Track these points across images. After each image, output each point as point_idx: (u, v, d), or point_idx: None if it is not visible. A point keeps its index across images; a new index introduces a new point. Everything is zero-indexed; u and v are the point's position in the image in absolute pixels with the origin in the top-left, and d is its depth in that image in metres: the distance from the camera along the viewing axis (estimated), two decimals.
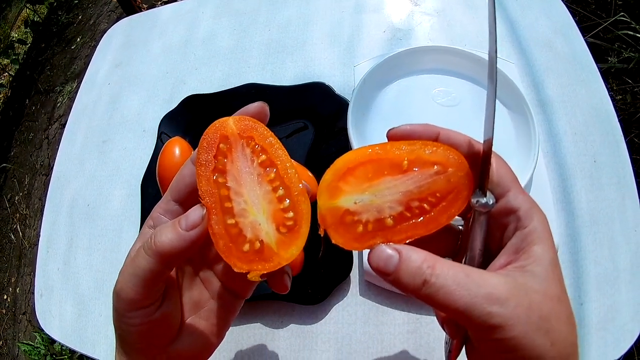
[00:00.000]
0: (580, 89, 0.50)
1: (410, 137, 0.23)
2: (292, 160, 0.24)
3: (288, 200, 0.23)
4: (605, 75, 1.13)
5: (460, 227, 0.25)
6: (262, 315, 0.44)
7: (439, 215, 0.21)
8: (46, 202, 0.61)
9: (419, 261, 0.20)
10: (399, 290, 0.20)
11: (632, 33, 1.05)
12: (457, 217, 0.22)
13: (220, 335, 0.28)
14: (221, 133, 0.23)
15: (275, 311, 0.44)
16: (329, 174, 0.22)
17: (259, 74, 0.59)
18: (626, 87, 1.09)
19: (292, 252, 0.22)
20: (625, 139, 0.47)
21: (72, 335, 0.51)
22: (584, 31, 0.54)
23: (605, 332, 0.39)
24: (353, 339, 0.42)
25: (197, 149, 0.23)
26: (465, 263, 0.23)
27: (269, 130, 0.24)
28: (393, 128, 0.24)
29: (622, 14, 1.06)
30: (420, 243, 0.21)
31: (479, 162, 0.22)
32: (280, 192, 0.23)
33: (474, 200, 0.21)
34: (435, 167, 0.21)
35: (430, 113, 0.46)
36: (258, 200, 0.23)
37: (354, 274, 0.44)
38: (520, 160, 0.42)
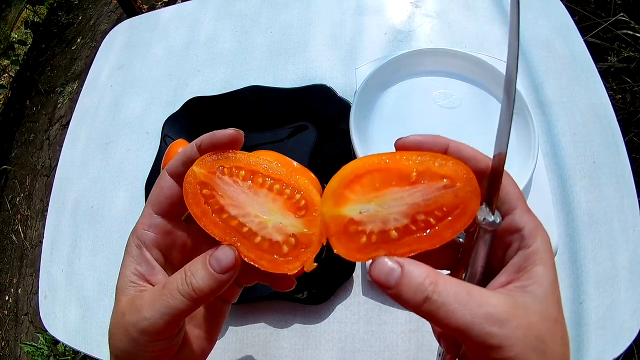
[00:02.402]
0: (580, 90, 0.51)
1: (419, 148, 0.23)
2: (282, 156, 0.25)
3: (287, 188, 0.23)
4: (605, 74, 1.13)
5: (462, 240, 0.25)
6: (266, 315, 0.45)
7: (443, 230, 0.20)
8: (50, 203, 0.61)
9: (421, 277, 0.19)
10: (398, 304, 0.20)
11: (631, 33, 1.05)
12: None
13: (213, 340, 0.29)
14: (196, 183, 0.24)
15: (279, 311, 0.45)
16: (335, 181, 0.22)
17: (261, 76, 0.59)
18: (626, 86, 1.10)
19: (320, 223, 0.23)
20: (624, 138, 0.48)
21: (77, 337, 0.51)
22: (583, 31, 0.55)
23: (605, 330, 0.40)
24: (356, 338, 0.42)
25: (188, 207, 0.24)
26: (465, 278, 0.22)
27: (230, 150, 0.24)
28: (402, 138, 0.23)
29: (621, 14, 1.06)
30: (421, 255, 0.21)
31: (487, 177, 0.22)
32: (277, 186, 0.24)
33: (480, 218, 0.21)
34: (444, 180, 0.21)
35: (431, 115, 0.46)
36: (265, 207, 0.23)
37: (357, 274, 0.45)
38: (520, 160, 0.42)
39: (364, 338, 0.42)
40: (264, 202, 0.23)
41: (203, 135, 0.25)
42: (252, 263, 0.22)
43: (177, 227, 0.26)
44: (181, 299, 0.22)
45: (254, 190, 0.23)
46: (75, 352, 1.34)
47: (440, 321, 0.19)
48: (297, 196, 0.23)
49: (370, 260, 0.21)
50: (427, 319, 0.20)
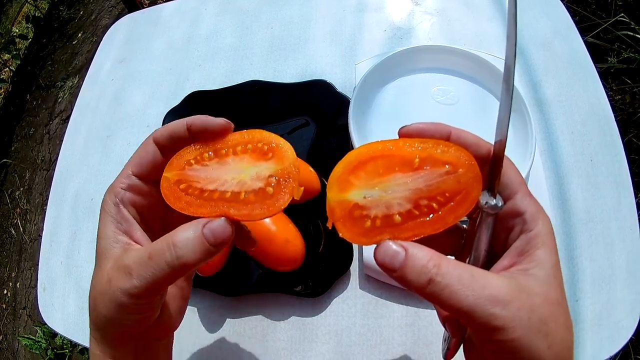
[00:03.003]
0: (578, 89, 0.51)
1: (422, 136, 0.23)
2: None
3: (247, 144, 0.25)
4: (605, 75, 1.13)
5: (465, 226, 0.25)
6: (264, 307, 0.45)
7: (446, 215, 0.21)
8: (49, 195, 0.61)
9: (425, 259, 0.20)
10: (403, 287, 0.20)
11: (631, 34, 1.06)
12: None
13: (187, 297, 0.30)
14: (172, 184, 0.25)
15: (276, 304, 0.45)
16: (340, 167, 0.23)
17: (262, 71, 0.59)
18: (625, 87, 1.10)
19: (291, 153, 0.24)
20: (623, 138, 0.48)
21: (75, 329, 0.51)
22: (584, 31, 0.55)
23: (601, 328, 0.40)
24: (352, 332, 0.43)
25: (172, 206, 0.25)
26: (469, 262, 0.23)
27: (188, 145, 0.26)
28: (405, 126, 0.24)
29: (621, 14, 1.06)
30: (425, 240, 0.21)
31: (489, 163, 0.23)
32: (239, 148, 0.25)
33: (482, 202, 0.22)
34: (446, 166, 0.21)
35: (429, 111, 0.47)
36: (237, 168, 0.25)
37: (354, 268, 0.45)
38: (517, 158, 0.42)
39: (361, 332, 0.42)
40: (233, 166, 0.25)
41: (195, 117, 0.26)
42: (247, 219, 0.23)
43: (153, 191, 0.27)
44: (168, 270, 0.22)
45: (221, 162, 0.25)
46: (73, 345, 1.34)
47: (444, 303, 0.19)
48: (259, 145, 0.25)
49: (375, 244, 0.21)
50: (432, 301, 0.20)
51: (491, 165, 0.23)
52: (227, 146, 0.26)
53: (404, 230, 0.21)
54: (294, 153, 0.25)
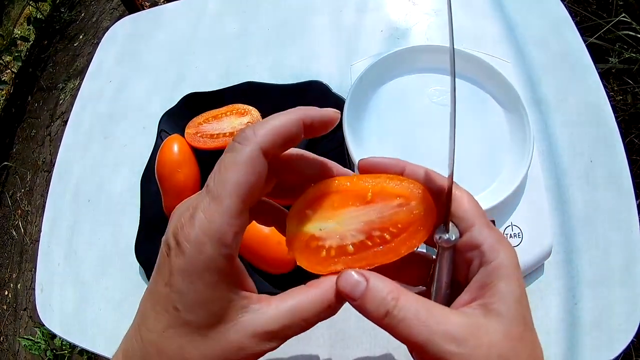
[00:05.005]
0: (578, 88, 0.50)
1: (378, 168, 0.24)
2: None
3: (234, 109, 0.53)
4: (606, 75, 1.12)
5: (434, 257, 0.25)
6: None
7: (399, 246, 0.22)
8: (47, 197, 0.61)
9: (385, 291, 0.20)
10: (362, 315, 0.21)
11: (633, 34, 1.05)
12: (428, 246, 0.23)
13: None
14: (193, 134, 0.52)
15: None
16: (299, 202, 0.24)
17: (258, 73, 0.59)
18: (627, 87, 1.09)
19: (255, 112, 0.52)
20: (625, 139, 0.47)
21: (72, 330, 0.51)
22: (585, 32, 0.54)
23: (600, 332, 0.40)
24: (346, 334, 0.42)
25: (190, 144, 0.51)
26: (432, 294, 0.23)
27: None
28: (364, 158, 0.25)
29: (623, 14, 1.06)
30: (393, 270, 0.22)
31: (444, 196, 0.23)
32: (228, 113, 0.52)
33: (436, 236, 0.22)
34: (398, 199, 0.22)
35: (425, 112, 0.46)
36: (228, 122, 0.51)
37: None
38: (515, 159, 0.42)
39: (355, 334, 0.42)
40: (227, 121, 0.51)
41: (310, 113, 0.23)
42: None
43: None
44: (298, 332, 0.22)
45: (219, 120, 0.51)
46: (72, 347, 1.35)
47: (398, 335, 0.20)
48: (239, 109, 0.51)
49: (330, 273, 0.22)
50: (388, 332, 0.20)
51: (445, 198, 0.23)
52: (219, 112, 0.52)
53: (357, 260, 0.22)
54: (258, 112, 0.51)
